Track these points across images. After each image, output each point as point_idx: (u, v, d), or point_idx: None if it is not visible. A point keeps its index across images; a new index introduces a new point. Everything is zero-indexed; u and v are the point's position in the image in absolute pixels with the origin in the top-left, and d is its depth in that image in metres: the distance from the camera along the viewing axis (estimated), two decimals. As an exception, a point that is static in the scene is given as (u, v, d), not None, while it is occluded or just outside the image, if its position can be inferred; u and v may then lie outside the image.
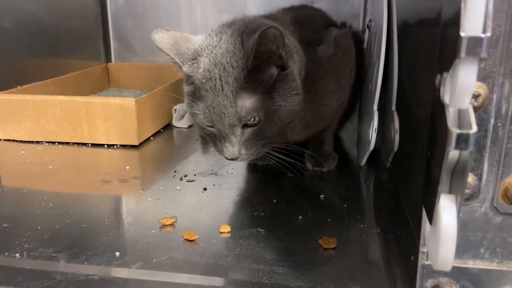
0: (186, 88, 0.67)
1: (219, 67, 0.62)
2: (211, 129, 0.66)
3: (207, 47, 0.65)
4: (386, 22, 0.76)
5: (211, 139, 0.68)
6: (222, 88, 0.61)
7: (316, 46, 0.79)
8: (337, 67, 0.80)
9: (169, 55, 0.65)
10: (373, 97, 0.78)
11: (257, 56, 0.60)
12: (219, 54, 0.63)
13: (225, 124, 0.62)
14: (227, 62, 0.62)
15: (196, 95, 0.65)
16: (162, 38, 0.65)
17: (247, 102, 0.61)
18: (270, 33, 0.58)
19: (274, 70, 0.63)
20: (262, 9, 0.96)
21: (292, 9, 0.93)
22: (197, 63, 0.64)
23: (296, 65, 0.68)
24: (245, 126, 0.63)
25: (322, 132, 0.87)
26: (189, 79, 0.66)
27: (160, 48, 0.65)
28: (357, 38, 0.94)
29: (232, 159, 0.65)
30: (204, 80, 0.63)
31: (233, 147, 0.63)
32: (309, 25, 0.83)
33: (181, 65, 0.65)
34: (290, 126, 0.73)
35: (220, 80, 0.62)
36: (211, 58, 0.63)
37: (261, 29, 0.58)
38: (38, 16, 1.27)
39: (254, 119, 0.63)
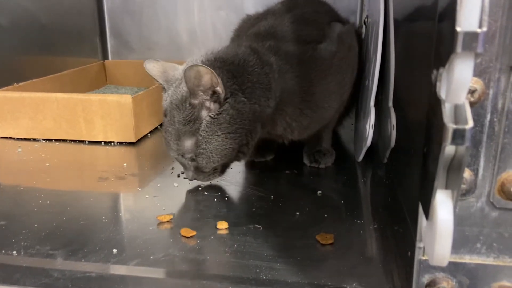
0: None
1: (173, 106, 0.68)
2: None
3: (176, 80, 0.69)
4: (383, 18, 0.76)
5: None
6: (172, 126, 0.68)
7: (317, 43, 0.78)
8: (339, 65, 0.79)
9: (158, 81, 0.70)
10: (370, 93, 0.78)
11: (193, 94, 0.64)
12: (175, 93, 0.68)
13: (173, 156, 0.71)
14: (176, 105, 0.67)
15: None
16: (152, 66, 0.71)
17: (187, 143, 0.68)
18: (192, 72, 0.61)
19: (204, 112, 0.66)
20: (259, 5, 0.96)
21: (296, 4, 0.89)
22: (167, 94, 0.70)
23: (247, 104, 0.68)
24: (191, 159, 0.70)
25: (321, 130, 0.87)
26: None
27: (151, 75, 0.70)
28: (358, 35, 0.93)
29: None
30: (165, 113, 0.70)
31: (187, 172, 0.72)
32: (313, 22, 0.82)
33: (167, 91, 0.70)
34: (280, 130, 0.76)
35: (172, 118, 0.68)
36: (171, 94, 0.68)
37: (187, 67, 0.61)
38: (34, 14, 1.26)
39: (192, 158, 0.69)
